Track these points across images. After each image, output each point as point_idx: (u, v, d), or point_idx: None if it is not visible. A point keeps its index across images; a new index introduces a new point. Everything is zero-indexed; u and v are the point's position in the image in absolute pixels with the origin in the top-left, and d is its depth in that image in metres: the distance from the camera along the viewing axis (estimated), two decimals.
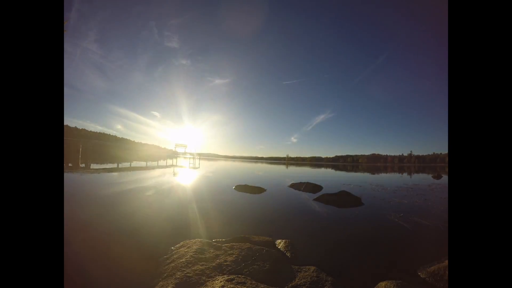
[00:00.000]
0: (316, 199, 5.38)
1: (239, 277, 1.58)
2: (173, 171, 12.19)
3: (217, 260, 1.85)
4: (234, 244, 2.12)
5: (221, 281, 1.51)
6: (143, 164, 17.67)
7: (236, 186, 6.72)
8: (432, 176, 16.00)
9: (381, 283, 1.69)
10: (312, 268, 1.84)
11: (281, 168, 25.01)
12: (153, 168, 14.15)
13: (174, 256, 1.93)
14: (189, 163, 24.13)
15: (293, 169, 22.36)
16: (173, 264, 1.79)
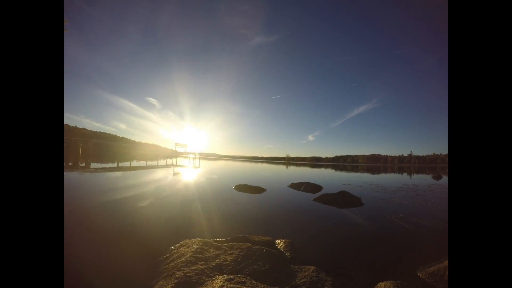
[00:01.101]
0: (316, 199, 5.38)
1: (239, 276, 1.58)
2: (173, 171, 12.19)
3: (217, 260, 1.85)
4: (234, 243, 2.12)
5: (220, 281, 1.51)
6: (142, 163, 17.68)
7: (236, 186, 6.71)
8: (432, 177, 16.00)
9: (380, 283, 1.69)
10: (312, 268, 1.84)
11: (280, 168, 25.00)
12: (153, 167, 14.16)
13: (174, 256, 1.93)
14: (189, 163, 24.15)
15: (293, 169, 22.36)
16: (173, 264, 1.79)
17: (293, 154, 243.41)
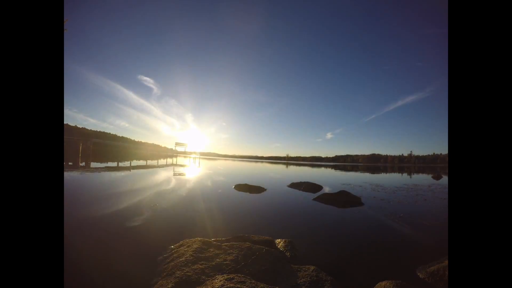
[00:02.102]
0: (315, 199, 5.38)
1: (239, 276, 1.58)
2: (173, 170, 12.19)
3: (217, 259, 1.85)
4: (233, 243, 2.12)
5: (220, 280, 1.51)
6: (142, 163, 17.69)
7: (236, 186, 6.72)
8: (432, 177, 16.00)
9: (380, 283, 1.69)
10: (312, 267, 1.84)
11: (280, 167, 24.99)
12: (153, 167, 14.16)
13: (174, 255, 1.93)
14: (189, 162, 24.17)
15: (293, 169, 22.35)
16: (173, 263, 1.79)
17: (307, 153, 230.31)
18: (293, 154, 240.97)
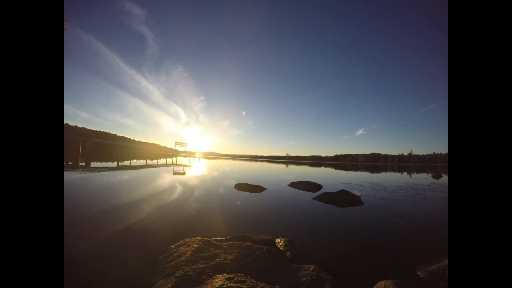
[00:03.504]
0: (315, 198, 5.39)
1: (239, 275, 1.58)
2: (173, 170, 12.20)
3: (217, 259, 1.85)
4: (234, 242, 2.13)
5: (220, 280, 1.51)
6: (142, 162, 17.69)
7: (236, 185, 6.72)
8: (432, 176, 16.02)
9: (380, 282, 1.69)
10: (312, 266, 1.84)
11: (280, 167, 24.99)
12: (153, 166, 14.16)
13: (174, 255, 1.93)
14: (189, 162, 24.18)
15: (293, 168, 22.35)
16: (173, 263, 1.79)
17: (329, 153, 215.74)
18: (305, 153, 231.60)
